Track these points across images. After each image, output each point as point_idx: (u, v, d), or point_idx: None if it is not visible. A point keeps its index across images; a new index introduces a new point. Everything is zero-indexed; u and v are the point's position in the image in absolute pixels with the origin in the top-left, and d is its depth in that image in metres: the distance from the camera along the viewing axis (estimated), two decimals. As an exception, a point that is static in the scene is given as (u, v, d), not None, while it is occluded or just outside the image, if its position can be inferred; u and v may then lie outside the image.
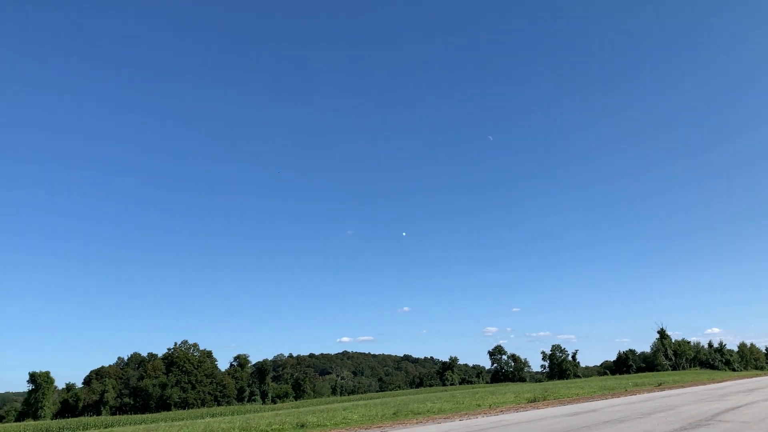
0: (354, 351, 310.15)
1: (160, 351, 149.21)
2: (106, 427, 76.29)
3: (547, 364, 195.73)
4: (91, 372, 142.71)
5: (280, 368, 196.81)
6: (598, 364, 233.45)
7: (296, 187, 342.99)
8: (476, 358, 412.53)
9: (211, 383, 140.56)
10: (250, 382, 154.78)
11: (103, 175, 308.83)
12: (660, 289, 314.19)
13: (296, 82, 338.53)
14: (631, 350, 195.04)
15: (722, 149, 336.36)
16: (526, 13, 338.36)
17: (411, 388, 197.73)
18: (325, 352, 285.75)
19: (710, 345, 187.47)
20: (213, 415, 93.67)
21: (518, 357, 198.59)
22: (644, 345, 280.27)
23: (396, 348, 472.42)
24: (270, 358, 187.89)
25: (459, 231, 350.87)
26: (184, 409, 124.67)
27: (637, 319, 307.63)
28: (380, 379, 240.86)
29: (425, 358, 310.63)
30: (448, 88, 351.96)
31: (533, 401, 45.60)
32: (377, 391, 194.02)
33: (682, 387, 55.86)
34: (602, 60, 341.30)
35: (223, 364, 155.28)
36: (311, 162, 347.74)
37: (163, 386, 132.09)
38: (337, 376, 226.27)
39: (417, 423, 32.11)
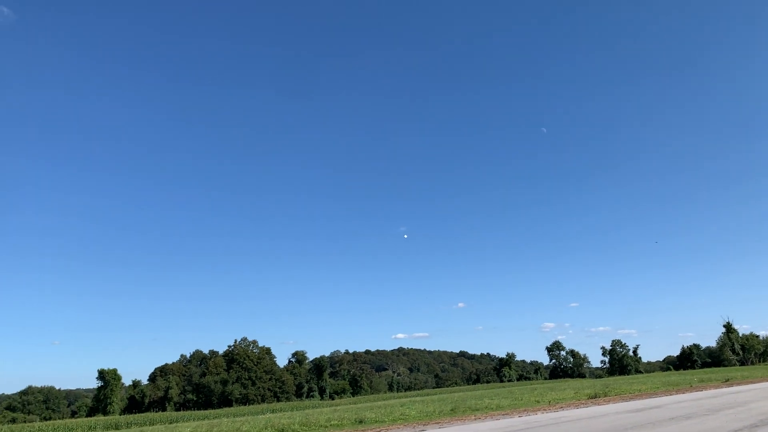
0: (409, 347, 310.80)
1: (221, 348, 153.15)
2: (170, 423, 78.53)
3: (607, 359, 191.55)
4: (155, 369, 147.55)
5: (337, 364, 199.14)
6: (661, 360, 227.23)
7: (350, 185, 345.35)
8: (534, 354, 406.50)
9: (270, 379, 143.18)
10: (308, 378, 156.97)
11: (162, 180, 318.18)
12: (725, 281, 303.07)
13: (352, 80, 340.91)
14: (695, 345, 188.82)
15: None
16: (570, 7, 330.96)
17: (467, 384, 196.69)
18: (380, 349, 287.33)
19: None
20: (273, 411, 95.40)
21: (577, 353, 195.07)
22: (709, 339, 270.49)
23: (451, 344, 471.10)
24: (327, 354, 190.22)
25: (514, 225, 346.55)
26: (245, 405, 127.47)
27: (702, 313, 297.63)
28: (436, 376, 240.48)
29: (481, 355, 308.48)
30: (500, 86, 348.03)
31: (594, 397, 44.76)
32: (433, 388, 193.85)
33: (752, 383, 53.75)
34: (656, 53, 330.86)
35: (281, 361, 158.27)
36: (364, 159, 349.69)
37: (225, 383, 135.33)
38: (393, 372, 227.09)
39: (475, 419, 31.99)
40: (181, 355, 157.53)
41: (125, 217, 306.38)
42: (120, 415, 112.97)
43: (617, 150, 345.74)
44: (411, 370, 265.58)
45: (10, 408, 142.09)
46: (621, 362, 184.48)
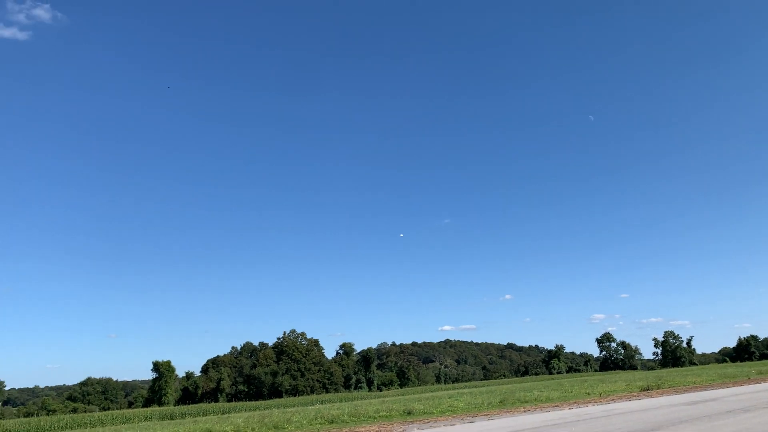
0: (456, 339, 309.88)
1: (270, 340, 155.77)
2: (223, 413, 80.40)
3: (659, 351, 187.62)
4: (207, 361, 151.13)
5: (384, 356, 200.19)
6: (716, 351, 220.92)
7: (395, 178, 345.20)
8: (583, 346, 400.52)
9: (319, 371, 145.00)
10: (356, 369, 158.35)
11: (212, 179, 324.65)
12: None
13: (399, 75, 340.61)
14: (752, 336, 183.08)
15: None
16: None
17: (516, 376, 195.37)
18: (427, 341, 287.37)
19: None
20: (322, 402, 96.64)
21: (628, 344, 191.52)
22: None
23: (499, 336, 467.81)
24: (374, 346, 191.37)
25: (562, 216, 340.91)
26: (295, 396, 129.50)
27: (759, 303, 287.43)
28: (484, 368, 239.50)
29: (529, 347, 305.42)
30: (550, 78, 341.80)
31: (646, 389, 43.96)
32: (481, 380, 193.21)
33: (814, 375, 51.91)
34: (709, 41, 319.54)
35: (329, 353, 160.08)
36: (407, 152, 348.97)
37: (274, 374, 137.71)
38: (440, 364, 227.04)
39: (524, 411, 31.85)
40: (232, 347, 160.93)
41: (177, 216, 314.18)
42: (174, 405, 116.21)
43: (667, 139, 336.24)
44: (458, 362, 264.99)
45: (71, 398, 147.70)
46: (674, 354, 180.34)
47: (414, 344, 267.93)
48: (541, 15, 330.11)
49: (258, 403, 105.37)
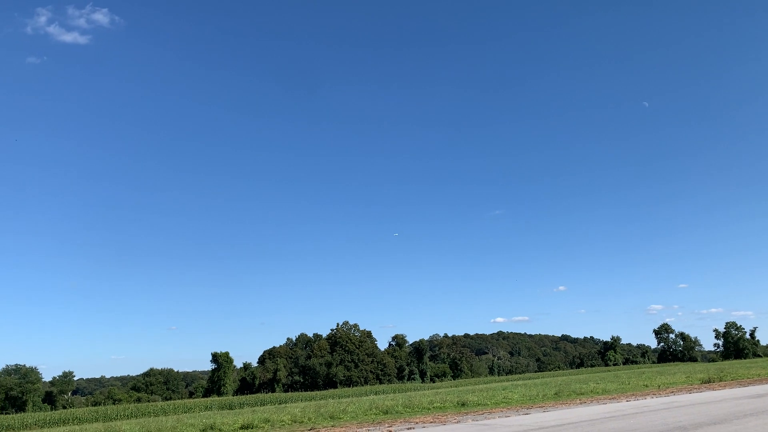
0: (509, 331, 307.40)
1: (324, 331, 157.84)
2: (280, 404, 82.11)
3: (720, 342, 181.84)
4: (264, 352, 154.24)
5: (437, 348, 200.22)
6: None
7: (442, 171, 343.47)
8: (640, 338, 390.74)
9: (372, 362, 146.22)
10: (409, 361, 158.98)
11: (266, 176, 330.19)
12: None
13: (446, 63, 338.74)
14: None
15: None
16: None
17: (570, 368, 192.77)
18: (479, 333, 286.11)
19: None
20: (376, 393, 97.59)
21: (687, 335, 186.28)
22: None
23: (552, 328, 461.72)
24: (426, 338, 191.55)
25: (617, 205, 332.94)
26: (349, 386, 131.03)
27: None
28: (538, 360, 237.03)
29: (584, 338, 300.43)
30: (604, 64, 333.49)
31: (707, 382, 42.86)
32: (535, 372, 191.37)
33: None
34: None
35: (382, 344, 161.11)
36: (454, 143, 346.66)
37: (329, 365, 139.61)
38: (494, 356, 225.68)
39: (581, 403, 31.56)
40: (287, 338, 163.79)
41: (236, 213, 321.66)
42: (233, 395, 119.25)
43: (728, 124, 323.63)
44: (511, 354, 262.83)
45: (135, 389, 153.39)
46: (736, 345, 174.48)
47: (466, 336, 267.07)
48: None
49: (313, 393, 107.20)
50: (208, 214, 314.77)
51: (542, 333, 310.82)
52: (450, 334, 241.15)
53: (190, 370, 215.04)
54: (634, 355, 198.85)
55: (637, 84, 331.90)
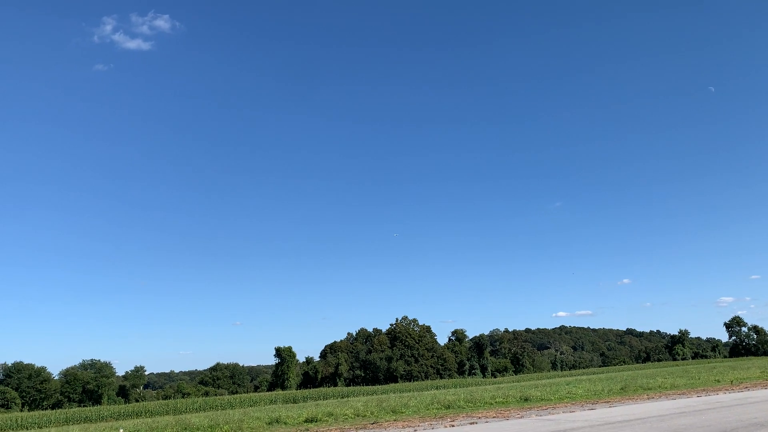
0: (572, 325, 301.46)
1: (384, 326, 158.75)
2: (342, 397, 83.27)
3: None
4: (325, 346, 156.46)
5: (497, 343, 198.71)
6: None
7: (500, 164, 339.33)
8: (709, 331, 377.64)
9: (432, 357, 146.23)
10: (469, 356, 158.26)
11: (328, 175, 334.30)
12: None
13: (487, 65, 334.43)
14: None
15: None
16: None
17: (636, 363, 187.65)
18: (541, 327, 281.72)
19: None
20: (437, 388, 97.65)
21: (761, 329, 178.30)
22: None
23: (617, 322, 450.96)
24: (486, 333, 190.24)
25: (682, 195, 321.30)
26: (410, 381, 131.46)
27: None
28: (602, 354, 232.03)
29: (650, 332, 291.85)
30: (668, 53, 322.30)
31: (784, 378, 41.09)
32: (599, 366, 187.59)
33: None
34: None
35: (441, 339, 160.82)
36: (511, 136, 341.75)
37: (389, 359, 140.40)
38: (556, 350, 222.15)
39: (648, 399, 30.83)
40: (348, 333, 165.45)
41: (298, 212, 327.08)
42: (296, 389, 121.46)
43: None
44: (574, 348, 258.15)
45: (203, 382, 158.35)
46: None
47: (527, 331, 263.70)
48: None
49: (374, 387, 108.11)
50: (272, 214, 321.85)
51: (606, 327, 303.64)
52: (511, 329, 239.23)
53: (255, 365, 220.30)
54: (704, 350, 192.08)
55: (703, 70, 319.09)
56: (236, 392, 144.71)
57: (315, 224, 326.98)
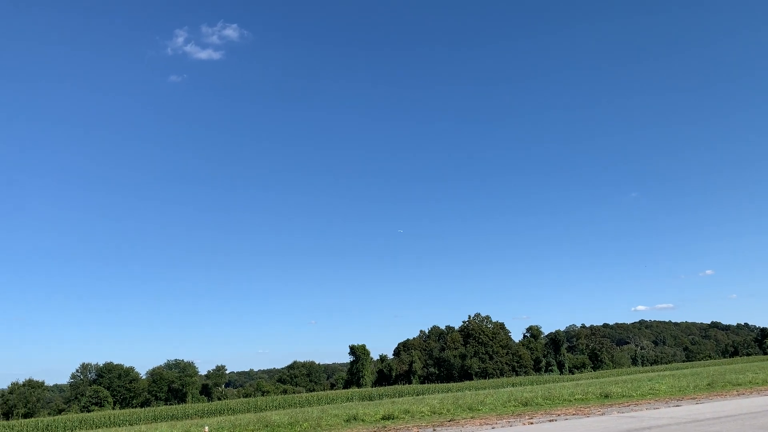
0: (652, 319, 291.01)
1: (456, 323, 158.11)
2: (417, 395, 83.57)
3: None
4: (399, 344, 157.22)
5: (574, 339, 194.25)
6: None
7: (573, 154, 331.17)
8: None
9: (507, 354, 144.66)
10: (545, 352, 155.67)
11: (392, 175, 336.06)
12: None
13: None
14: None
15: None
16: None
17: (723, 357, 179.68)
18: (619, 322, 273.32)
19: None
20: (513, 385, 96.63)
21: None
22: None
23: (700, 315, 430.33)
24: (562, 328, 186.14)
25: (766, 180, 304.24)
26: (484, 378, 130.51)
27: None
28: (685, 349, 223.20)
29: (738, 325, 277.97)
30: (756, 27, 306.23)
31: None
32: (683, 361, 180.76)
33: None
34: None
35: (515, 336, 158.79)
36: (582, 124, 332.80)
37: (463, 357, 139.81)
38: (636, 345, 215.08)
39: (738, 395, 29.52)
40: (420, 331, 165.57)
41: (367, 213, 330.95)
42: (372, 387, 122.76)
43: None
44: (655, 343, 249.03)
45: (281, 380, 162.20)
46: None
47: (605, 326, 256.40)
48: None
49: (449, 385, 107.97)
50: (344, 215, 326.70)
51: (689, 320, 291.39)
52: (587, 324, 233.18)
53: (330, 362, 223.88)
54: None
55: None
56: (313, 390, 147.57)
57: (384, 225, 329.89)
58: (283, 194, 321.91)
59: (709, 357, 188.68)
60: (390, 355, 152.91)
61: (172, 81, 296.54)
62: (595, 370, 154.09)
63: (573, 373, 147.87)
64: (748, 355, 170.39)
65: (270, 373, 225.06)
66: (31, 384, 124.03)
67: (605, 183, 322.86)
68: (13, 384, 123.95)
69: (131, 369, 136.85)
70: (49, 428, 71.54)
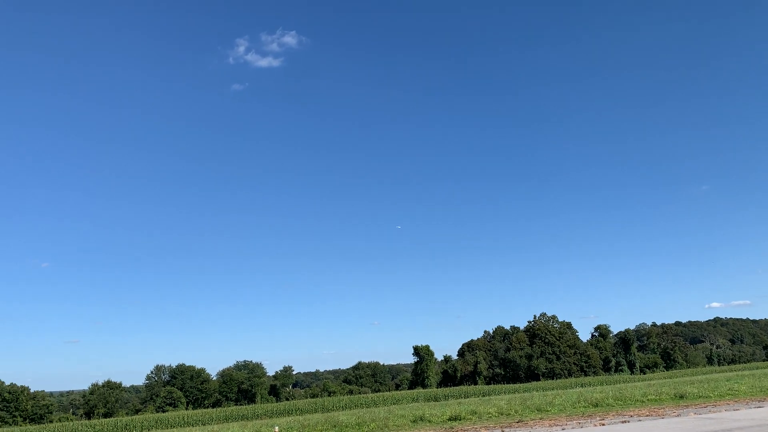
0: (727, 317, 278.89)
1: (520, 324, 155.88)
2: (483, 396, 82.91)
3: None
4: (462, 345, 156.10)
5: (644, 338, 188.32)
6: None
7: (640, 148, 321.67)
8: None
9: (574, 354, 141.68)
10: (615, 352, 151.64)
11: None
12: None
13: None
14: None
15: None
16: None
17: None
18: (692, 320, 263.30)
19: None
20: (582, 385, 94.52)
21: None
22: None
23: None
24: (632, 327, 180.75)
25: None
26: (552, 379, 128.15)
27: None
28: (765, 347, 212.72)
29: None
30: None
31: None
32: (763, 360, 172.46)
33: None
34: None
35: (583, 335, 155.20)
36: (651, 118, 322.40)
37: (529, 357, 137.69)
38: (711, 344, 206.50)
39: (825, 396, 28.01)
40: (485, 331, 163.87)
41: (432, 214, 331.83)
42: (437, 388, 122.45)
43: None
44: (732, 341, 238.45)
45: (347, 381, 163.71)
46: None
47: (677, 324, 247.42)
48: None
49: (516, 385, 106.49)
50: (407, 218, 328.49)
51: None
52: (659, 323, 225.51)
53: (395, 363, 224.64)
54: None
55: None
56: (378, 390, 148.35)
57: (446, 227, 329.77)
58: (347, 199, 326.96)
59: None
60: (454, 356, 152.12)
61: (235, 89, 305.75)
62: (667, 370, 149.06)
63: (644, 373, 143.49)
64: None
65: (335, 373, 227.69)
66: (109, 385, 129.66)
67: (675, 176, 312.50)
68: (93, 385, 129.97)
69: (202, 370, 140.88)
70: (128, 427, 74.58)
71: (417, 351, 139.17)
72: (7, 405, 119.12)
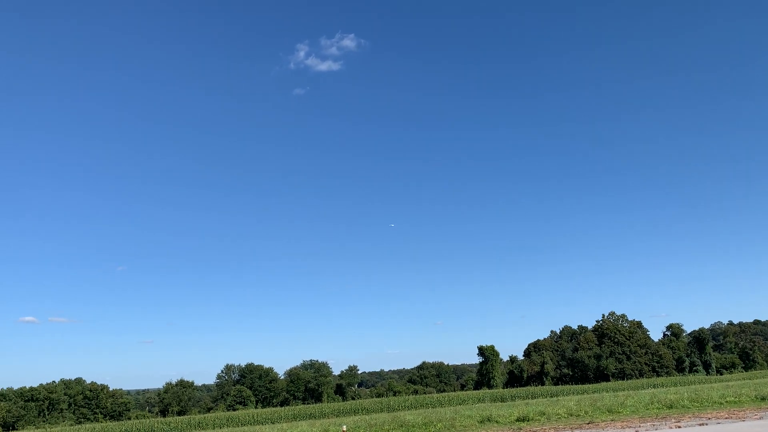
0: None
1: (588, 323, 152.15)
2: (551, 396, 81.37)
3: None
4: (529, 345, 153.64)
5: (720, 337, 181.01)
6: None
7: (710, 145, 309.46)
8: None
9: (645, 353, 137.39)
10: (689, 352, 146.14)
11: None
12: None
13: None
14: None
15: None
16: None
17: None
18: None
19: None
20: (654, 386, 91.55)
21: None
22: None
23: None
24: (707, 326, 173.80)
25: None
26: (622, 379, 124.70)
27: None
28: None
29: None
30: None
31: None
32: None
33: None
34: None
35: (654, 335, 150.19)
36: (714, 114, 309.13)
37: (598, 357, 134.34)
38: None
39: None
40: (551, 331, 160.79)
41: (490, 214, 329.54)
42: (503, 388, 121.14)
43: None
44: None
45: (411, 381, 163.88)
46: None
47: (757, 322, 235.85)
48: None
49: (584, 386, 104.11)
50: (468, 218, 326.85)
51: None
52: (736, 321, 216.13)
53: (459, 363, 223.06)
54: None
55: None
56: (443, 390, 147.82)
57: (508, 225, 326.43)
58: (419, 201, 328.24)
59: None
60: (519, 356, 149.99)
61: (296, 94, 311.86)
62: (746, 371, 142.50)
63: (721, 374, 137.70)
64: None
65: (400, 373, 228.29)
66: (182, 384, 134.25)
67: (748, 169, 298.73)
68: (167, 384, 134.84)
69: (270, 369, 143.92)
70: (201, 425, 77.05)
71: (482, 351, 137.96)
72: (89, 402, 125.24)
